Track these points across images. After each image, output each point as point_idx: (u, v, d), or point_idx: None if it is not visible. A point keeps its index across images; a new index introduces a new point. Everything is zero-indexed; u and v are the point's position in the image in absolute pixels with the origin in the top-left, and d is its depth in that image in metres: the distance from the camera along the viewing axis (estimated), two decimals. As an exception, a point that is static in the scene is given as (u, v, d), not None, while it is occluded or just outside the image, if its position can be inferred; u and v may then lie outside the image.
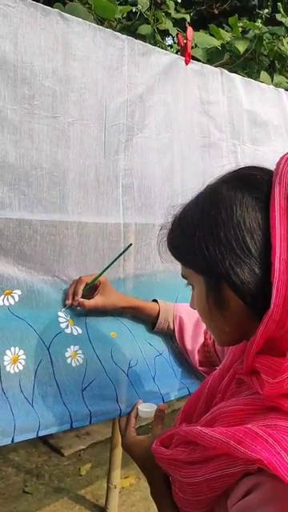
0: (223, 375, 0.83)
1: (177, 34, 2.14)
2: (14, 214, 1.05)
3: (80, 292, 1.12)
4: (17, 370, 0.99)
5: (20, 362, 1.00)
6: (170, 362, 1.27)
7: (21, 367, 1.00)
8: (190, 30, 1.44)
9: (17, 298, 1.05)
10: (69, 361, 1.07)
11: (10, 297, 1.04)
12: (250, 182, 0.69)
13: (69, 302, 1.12)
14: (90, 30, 1.15)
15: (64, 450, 2.60)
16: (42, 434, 0.98)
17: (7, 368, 0.98)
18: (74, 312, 1.14)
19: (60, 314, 1.12)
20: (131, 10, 2.56)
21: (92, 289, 1.15)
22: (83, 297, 1.13)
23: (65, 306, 1.13)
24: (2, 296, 1.04)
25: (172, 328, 1.25)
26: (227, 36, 2.74)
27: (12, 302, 1.04)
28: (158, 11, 2.49)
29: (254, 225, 0.65)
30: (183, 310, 1.24)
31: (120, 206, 1.26)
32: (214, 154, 1.47)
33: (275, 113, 1.68)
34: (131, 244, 1.18)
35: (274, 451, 0.57)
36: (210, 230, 0.68)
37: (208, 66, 1.52)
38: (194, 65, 1.45)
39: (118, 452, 1.95)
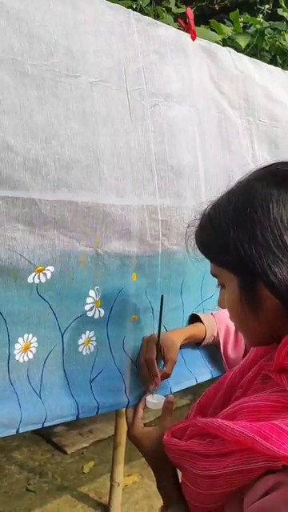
0: (244, 372, 0.82)
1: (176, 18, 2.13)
2: (51, 176, 0.95)
3: (158, 372, 1.07)
4: (26, 359, 0.94)
5: (31, 351, 0.95)
6: (181, 351, 1.23)
7: (31, 356, 0.95)
8: (189, 9, 1.42)
9: (49, 276, 0.97)
10: (80, 349, 1.03)
11: (41, 274, 0.96)
12: (285, 178, 0.67)
13: (156, 385, 1.07)
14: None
15: (67, 447, 2.53)
16: (47, 424, 0.94)
17: (16, 357, 0.93)
18: (106, 291, 1.08)
19: (91, 292, 1.05)
20: (131, 6, 2.55)
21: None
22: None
23: (145, 391, 1.08)
24: (33, 274, 0.95)
25: (218, 341, 1.23)
26: (228, 31, 2.74)
27: (43, 280, 0.96)
28: (159, 7, 2.48)
29: None
30: (223, 321, 1.23)
31: (155, 175, 1.18)
32: (231, 130, 1.43)
33: (286, 93, 1.65)
34: (162, 296, 1.11)
35: None
36: (245, 229, 0.66)
37: (215, 43, 1.49)
38: (200, 41, 1.42)
39: (121, 450, 1.92)
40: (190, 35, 1.42)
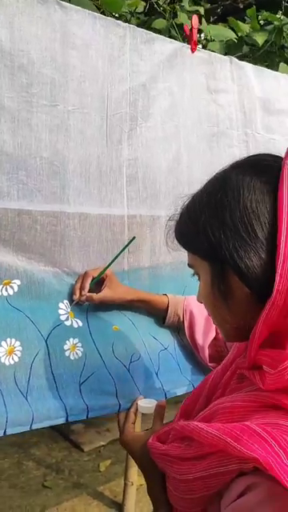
0: (225, 371, 0.80)
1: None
2: (12, 204, 1.05)
3: (87, 286, 1.11)
4: (12, 362, 0.98)
5: (16, 354, 0.99)
6: (176, 357, 1.25)
7: (16, 359, 0.99)
8: (195, 17, 1.41)
9: (16, 289, 1.05)
10: (67, 353, 1.06)
11: (8, 287, 1.04)
12: (260, 166, 0.67)
13: (76, 297, 1.11)
14: (90, 18, 1.13)
15: (84, 445, 2.60)
16: (35, 427, 0.97)
17: (2, 359, 0.98)
18: (77, 305, 1.13)
19: (61, 305, 1.11)
20: (151, 4, 2.55)
21: (98, 283, 1.14)
22: (90, 291, 1.12)
23: (72, 301, 1.11)
24: (1, 286, 1.03)
25: (182, 322, 1.22)
26: (246, 28, 2.69)
27: (11, 293, 1.04)
28: (175, 5, 2.46)
29: (261, 208, 0.63)
30: (194, 304, 1.21)
31: (124, 196, 1.24)
32: (224, 143, 1.43)
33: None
34: (134, 237, 1.16)
35: (272, 450, 0.54)
36: (215, 213, 0.66)
37: (216, 54, 1.48)
38: (200, 53, 1.42)
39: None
40: (190, 47, 1.42)
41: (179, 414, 0.85)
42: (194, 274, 0.76)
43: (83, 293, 1.11)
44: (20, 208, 1.06)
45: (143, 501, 2.19)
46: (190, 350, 1.25)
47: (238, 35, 2.58)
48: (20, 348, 1.00)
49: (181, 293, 1.31)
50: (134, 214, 1.26)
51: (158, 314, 1.25)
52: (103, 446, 2.64)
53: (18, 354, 1.00)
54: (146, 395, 1.11)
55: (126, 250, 1.20)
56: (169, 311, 1.22)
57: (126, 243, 1.20)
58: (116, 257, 1.15)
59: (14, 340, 1.00)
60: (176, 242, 0.76)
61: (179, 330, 1.27)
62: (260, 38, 2.55)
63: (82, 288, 1.11)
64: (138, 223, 1.27)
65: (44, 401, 1.00)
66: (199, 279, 0.75)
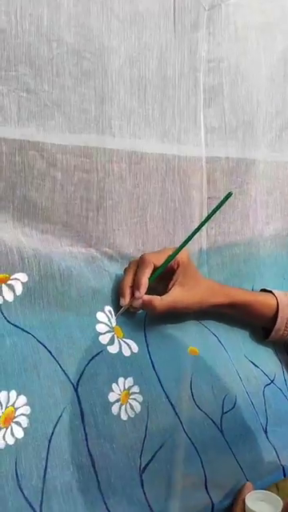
0: None
1: None
2: (7, 131, 0.54)
3: (145, 283, 0.61)
4: (11, 441, 0.49)
5: (18, 423, 0.50)
6: None
7: (20, 433, 0.49)
8: None
9: (19, 290, 0.55)
10: (115, 410, 0.56)
11: (4, 287, 0.54)
12: None
13: (125, 301, 0.62)
14: None
15: None
16: None
17: None
18: (126, 314, 0.63)
19: (100, 316, 0.61)
20: None
21: (161, 276, 0.64)
22: (150, 291, 0.62)
23: (120, 308, 0.63)
24: None
25: None
26: None
27: (9, 298, 0.55)
28: None
29: None
30: None
31: (201, 125, 0.74)
32: None
33: None
34: (231, 193, 0.64)
35: None
36: None
37: None
38: None
39: None
40: None
41: None
42: None
43: (138, 294, 0.61)
44: (22, 137, 0.55)
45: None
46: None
47: None
48: (26, 408, 0.50)
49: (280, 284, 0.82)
50: (216, 155, 0.75)
51: (259, 322, 0.76)
52: None
53: (24, 422, 0.50)
54: (253, 476, 0.62)
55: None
56: (278, 319, 0.73)
57: (213, 204, 0.70)
58: (197, 229, 0.64)
59: (14, 394, 0.51)
60: None
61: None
62: None
63: (136, 286, 0.61)
64: (223, 171, 0.76)
65: None
66: None
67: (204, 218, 0.65)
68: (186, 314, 0.69)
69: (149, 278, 0.62)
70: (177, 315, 0.68)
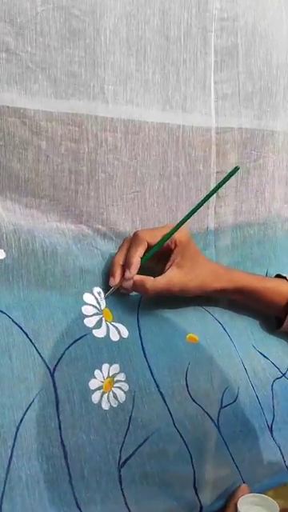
0: None
1: None
2: None
3: (136, 263, 0.56)
4: None
5: None
6: None
7: None
8: None
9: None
10: (95, 398, 0.52)
11: None
12: None
13: (115, 281, 0.57)
14: None
15: None
16: None
17: None
18: (118, 296, 0.59)
19: (87, 298, 0.57)
20: None
21: (160, 256, 0.59)
22: (142, 271, 0.57)
23: (109, 289, 0.58)
24: None
25: None
26: None
27: None
28: None
29: None
30: None
31: (211, 92, 0.67)
32: None
33: None
34: (238, 168, 0.57)
35: None
36: None
37: None
38: None
39: None
40: None
41: None
42: None
43: (128, 274, 0.56)
44: (1, 103, 0.51)
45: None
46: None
47: None
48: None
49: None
50: (227, 125, 0.68)
51: (270, 311, 0.69)
52: None
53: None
54: (252, 480, 0.57)
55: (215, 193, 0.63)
56: None
57: (218, 179, 0.63)
58: (198, 206, 0.58)
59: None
60: None
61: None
62: None
63: (126, 265, 0.57)
64: (235, 143, 0.69)
65: None
66: None
67: (205, 195, 0.58)
68: (187, 298, 0.63)
69: (142, 259, 0.57)
70: (176, 299, 0.62)
